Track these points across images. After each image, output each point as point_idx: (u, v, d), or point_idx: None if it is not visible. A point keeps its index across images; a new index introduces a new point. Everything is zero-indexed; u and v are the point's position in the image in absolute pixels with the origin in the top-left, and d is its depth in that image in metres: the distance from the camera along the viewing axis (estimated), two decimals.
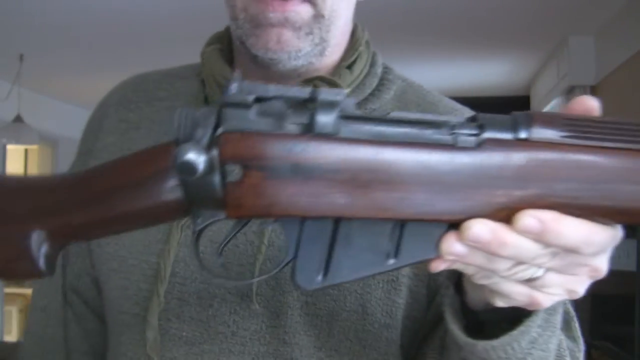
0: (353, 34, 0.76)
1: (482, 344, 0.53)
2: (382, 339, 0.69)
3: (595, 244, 0.44)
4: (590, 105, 0.46)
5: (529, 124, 0.45)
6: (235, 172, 0.44)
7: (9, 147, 5.73)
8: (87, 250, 0.77)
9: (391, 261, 0.46)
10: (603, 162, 0.44)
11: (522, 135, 0.45)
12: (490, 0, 3.49)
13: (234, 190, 0.45)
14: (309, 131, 0.45)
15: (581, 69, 4.00)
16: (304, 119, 0.45)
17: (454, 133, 0.45)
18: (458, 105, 0.79)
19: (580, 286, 0.48)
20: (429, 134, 0.45)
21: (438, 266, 0.46)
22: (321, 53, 0.69)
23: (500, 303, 0.49)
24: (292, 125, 0.45)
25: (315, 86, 0.68)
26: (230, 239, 0.51)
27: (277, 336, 0.68)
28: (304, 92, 0.46)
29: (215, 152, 0.45)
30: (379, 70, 0.76)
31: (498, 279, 0.46)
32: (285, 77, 0.69)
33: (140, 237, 0.72)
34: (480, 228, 0.43)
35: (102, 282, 0.76)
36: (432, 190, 0.44)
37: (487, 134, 0.45)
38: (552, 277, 0.46)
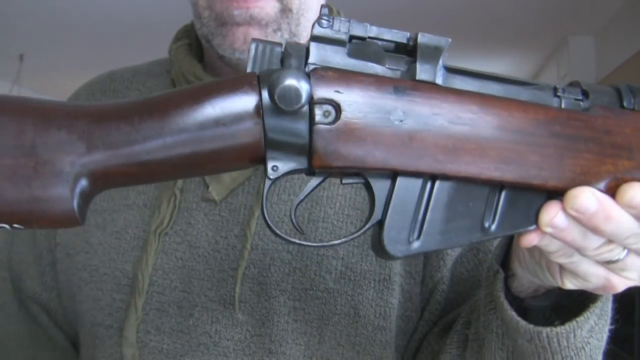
0: None
1: (546, 331, 0.49)
2: (376, 342, 0.66)
3: None
4: None
5: (634, 95, 0.44)
6: (327, 114, 0.40)
7: None
8: (50, 263, 0.73)
9: (491, 229, 0.42)
10: None
11: (628, 105, 0.43)
12: (490, 1, 3.48)
13: (324, 134, 0.39)
14: (410, 77, 0.41)
15: (581, 69, 4.00)
16: (402, 65, 0.42)
17: (558, 95, 0.43)
18: None
19: None
20: (534, 93, 0.43)
21: (532, 240, 0.43)
22: None
23: (569, 285, 0.46)
24: (390, 70, 0.41)
25: None
26: (306, 197, 0.44)
27: (263, 345, 0.65)
28: (404, 35, 0.42)
29: (310, 84, 0.39)
30: None
31: (579, 258, 0.44)
32: None
33: (114, 244, 0.68)
34: (588, 197, 0.40)
35: (72, 294, 0.71)
36: (539, 153, 0.41)
37: (593, 101, 0.43)
38: (633, 260, 0.44)
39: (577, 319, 0.49)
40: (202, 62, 0.72)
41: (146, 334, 0.66)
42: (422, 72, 0.41)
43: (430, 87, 0.41)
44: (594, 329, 0.51)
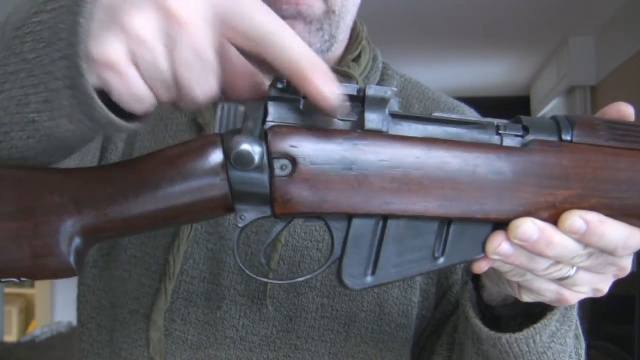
0: (353, 29, 0.75)
1: (506, 337, 0.53)
2: (397, 339, 0.68)
3: (630, 247, 0.45)
4: (625, 110, 0.48)
5: (571, 126, 0.46)
6: (284, 167, 0.44)
7: None
8: None
9: (440, 260, 0.46)
10: None
11: (566, 137, 0.46)
12: (490, 1, 3.48)
13: (282, 185, 0.44)
14: (359, 128, 0.44)
15: (581, 69, 4.00)
16: (352, 115, 0.45)
17: (500, 133, 0.46)
18: (457, 102, 0.79)
19: (605, 284, 0.49)
20: (477, 133, 0.46)
21: (482, 266, 0.46)
22: (328, 49, 0.68)
23: (526, 298, 0.50)
24: (340, 121, 0.45)
25: None
26: (274, 238, 0.50)
27: (289, 342, 0.66)
28: (352, 88, 0.45)
29: (263, 146, 0.44)
30: (380, 65, 0.76)
31: (531, 277, 0.47)
32: None
33: None
34: (529, 226, 0.44)
35: (93, 272, 0.72)
36: (480, 189, 0.45)
37: (532, 135, 0.46)
38: (583, 276, 0.47)
39: (535, 325, 0.53)
40: None
41: (171, 322, 0.67)
42: (370, 121, 0.45)
43: (376, 135, 0.45)
44: (555, 335, 0.54)
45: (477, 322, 0.54)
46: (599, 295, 0.50)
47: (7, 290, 5.65)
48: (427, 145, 0.44)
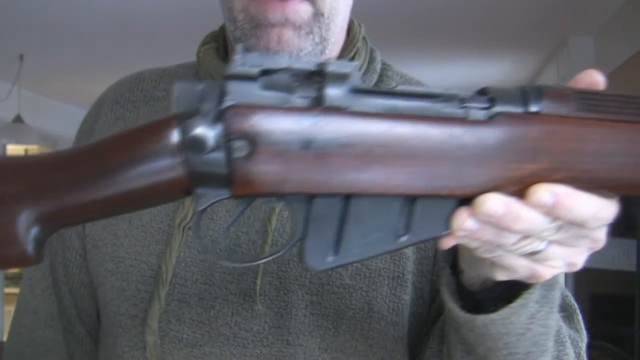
0: (349, 30, 0.75)
1: (481, 318, 0.52)
2: (389, 337, 0.69)
3: (601, 219, 0.44)
4: (596, 78, 0.46)
5: (539, 97, 0.45)
6: (242, 147, 0.43)
7: (9, 147, 5.73)
8: (82, 252, 0.76)
9: (403, 239, 0.45)
10: (612, 135, 0.44)
11: (534, 108, 0.45)
12: (490, 1, 3.49)
13: (240, 166, 0.43)
14: (318, 105, 0.43)
15: (581, 69, 3.91)
16: (312, 92, 0.44)
17: (464, 106, 0.45)
18: None
19: (580, 258, 0.48)
20: (440, 107, 0.44)
21: (449, 242, 0.45)
22: (322, 52, 0.68)
23: (501, 277, 0.49)
24: (300, 98, 0.44)
25: None
26: (235, 220, 0.49)
27: (281, 337, 0.67)
28: (312, 64, 0.44)
29: (220, 127, 0.43)
30: (378, 66, 0.75)
31: (501, 252, 0.46)
32: None
33: (140, 237, 0.71)
34: (495, 202, 0.43)
35: (98, 284, 0.74)
36: (444, 165, 0.44)
37: (498, 108, 0.45)
38: (555, 250, 0.46)
39: (510, 305, 0.51)
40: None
41: (167, 323, 0.69)
42: (330, 98, 0.43)
43: (336, 112, 0.43)
44: (535, 316, 0.53)
45: (453, 307, 0.54)
46: (574, 269, 0.48)
47: (7, 290, 5.65)
48: (389, 120, 0.43)
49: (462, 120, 0.44)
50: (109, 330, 0.74)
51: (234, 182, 0.43)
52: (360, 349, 0.68)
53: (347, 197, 0.45)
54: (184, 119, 0.44)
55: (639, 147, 0.44)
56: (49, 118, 5.91)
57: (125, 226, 0.72)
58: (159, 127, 0.44)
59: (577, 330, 0.68)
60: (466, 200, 0.44)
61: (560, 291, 0.71)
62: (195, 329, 0.68)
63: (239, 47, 0.45)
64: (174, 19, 3.75)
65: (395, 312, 0.69)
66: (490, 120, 0.44)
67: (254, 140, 0.43)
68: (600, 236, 0.47)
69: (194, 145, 0.43)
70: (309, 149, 0.43)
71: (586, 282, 3.43)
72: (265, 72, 0.44)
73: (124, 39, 4.24)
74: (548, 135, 0.44)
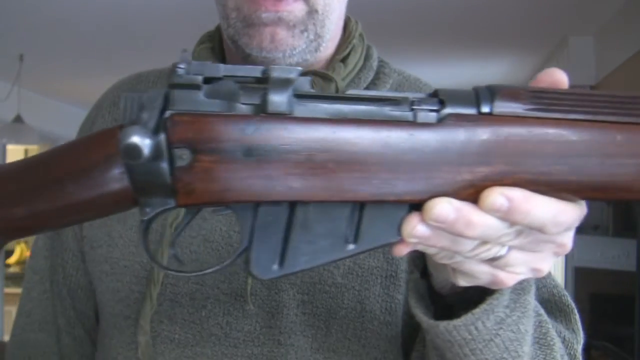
0: (346, 27, 0.75)
1: (444, 324, 0.51)
2: (382, 336, 0.68)
3: (562, 223, 0.42)
4: (558, 77, 0.45)
5: (492, 97, 0.43)
6: (184, 156, 0.42)
7: (9, 147, 5.73)
8: (78, 253, 0.76)
9: (351, 247, 0.44)
10: (571, 135, 0.42)
11: (485, 109, 0.43)
12: (490, 1, 3.49)
13: (183, 175, 0.42)
14: (262, 111, 0.43)
15: (581, 69, 4.00)
16: (255, 98, 0.43)
17: (413, 109, 0.43)
18: None
19: (544, 264, 0.46)
20: (387, 110, 0.43)
21: (402, 250, 0.44)
22: (316, 49, 0.67)
23: (463, 282, 0.47)
24: (243, 105, 0.43)
25: None
26: (182, 229, 0.49)
27: (272, 337, 0.67)
28: (256, 70, 0.44)
29: (162, 136, 0.42)
30: (374, 64, 0.75)
31: (461, 259, 0.45)
32: None
33: (133, 237, 0.71)
34: (444, 207, 0.41)
35: (95, 286, 0.74)
36: (392, 170, 0.42)
37: (449, 109, 0.43)
38: (516, 256, 0.45)
39: (474, 311, 0.50)
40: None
41: (159, 323, 0.68)
42: (273, 104, 0.43)
43: (279, 119, 0.42)
44: (505, 321, 0.51)
45: (417, 312, 0.52)
46: (540, 275, 0.47)
47: (7, 290, 5.64)
48: (332, 125, 0.42)
49: (410, 123, 0.43)
50: (105, 331, 0.74)
51: (177, 192, 0.43)
52: (353, 348, 0.67)
53: (293, 205, 0.44)
54: (124, 127, 0.43)
55: (600, 147, 0.42)
56: (49, 118, 5.91)
57: (120, 227, 0.72)
58: (103, 138, 0.44)
59: (573, 331, 0.67)
60: (419, 206, 0.43)
61: (557, 291, 0.70)
62: (187, 329, 0.68)
63: (183, 54, 0.45)
64: (174, 19, 3.75)
65: (388, 312, 0.68)
66: (440, 122, 0.42)
67: (195, 149, 0.42)
68: (565, 241, 0.45)
69: (129, 154, 0.42)
70: (252, 157, 0.42)
71: (586, 282, 3.43)
72: (210, 80, 0.44)
73: (124, 39, 4.24)
74: (500, 137, 0.42)
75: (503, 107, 0.43)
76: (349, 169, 0.42)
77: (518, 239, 0.43)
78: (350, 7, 0.74)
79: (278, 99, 0.43)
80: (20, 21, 3.87)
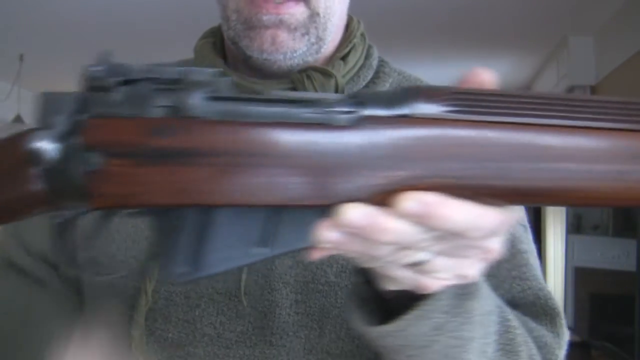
0: (347, 26, 0.75)
1: (376, 330, 0.49)
2: None
3: (483, 228, 0.41)
4: (483, 77, 0.43)
5: (410, 99, 0.41)
6: (96, 160, 0.42)
7: None
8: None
9: (264, 250, 0.43)
10: (490, 138, 0.40)
11: (403, 111, 0.41)
12: (490, 1, 3.49)
13: (95, 179, 0.42)
14: (175, 114, 0.42)
15: (581, 69, 4.00)
16: (170, 101, 0.42)
17: (328, 111, 0.42)
18: None
19: (471, 270, 0.44)
20: (301, 112, 0.42)
21: (316, 255, 0.43)
22: (317, 51, 0.67)
23: (390, 286, 0.46)
24: (158, 108, 0.42)
25: (308, 77, 0.67)
26: (96, 234, 0.48)
27: (264, 338, 0.66)
28: (172, 72, 0.43)
29: (75, 139, 0.42)
30: (374, 62, 0.75)
31: (383, 263, 0.43)
32: (279, 76, 0.68)
33: (130, 232, 0.70)
34: (355, 212, 0.40)
35: (83, 279, 0.73)
36: (305, 174, 0.41)
37: (366, 111, 0.41)
38: (440, 261, 0.43)
39: (405, 317, 0.48)
40: (226, 62, 0.74)
41: (154, 321, 0.68)
42: (187, 107, 0.42)
43: (191, 123, 0.42)
44: (444, 327, 0.50)
45: (352, 317, 0.51)
46: (468, 281, 0.45)
47: None
48: (245, 128, 0.41)
49: (324, 126, 0.41)
50: (94, 324, 0.73)
51: (90, 195, 0.43)
52: (347, 349, 0.66)
53: (207, 208, 0.43)
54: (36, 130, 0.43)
55: (521, 150, 0.40)
56: None
57: (117, 221, 0.72)
58: (19, 139, 0.44)
59: (558, 335, 0.66)
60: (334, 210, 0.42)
61: (543, 294, 0.69)
62: (181, 329, 0.68)
63: (97, 59, 0.45)
64: (174, 19, 3.75)
65: None
66: (356, 124, 0.41)
67: (108, 153, 0.42)
68: (492, 246, 0.43)
69: (33, 159, 0.42)
70: (164, 160, 0.41)
71: (586, 282, 3.43)
72: (126, 82, 0.43)
73: (124, 39, 4.24)
74: (417, 139, 0.40)
75: (421, 108, 0.41)
76: (260, 172, 0.41)
77: (439, 245, 0.42)
78: (350, 7, 0.74)
79: (192, 102, 0.42)
80: (20, 21, 3.87)
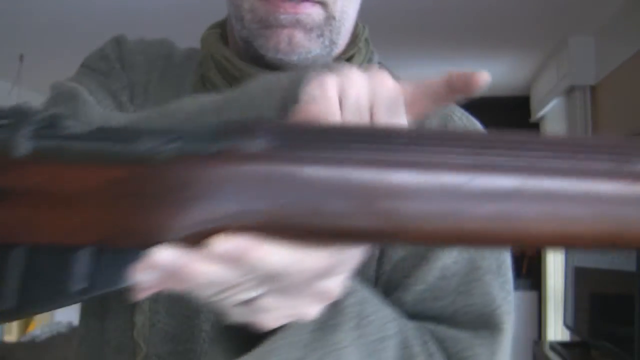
0: (353, 31, 0.75)
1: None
2: None
3: (307, 270, 0.39)
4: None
5: (230, 134, 0.40)
6: None
7: None
8: None
9: (80, 290, 0.41)
10: (313, 174, 0.38)
11: (218, 147, 0.39)
12: (490, 0, 3.49)
13: None
14: (7, 153, 0.40)
15: (581, 69, 4.00)
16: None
17: (143, 146, 0.40)
18: (452, 106, 0.78)
19: (307, 309, 0.43)
20: (111, 147, 0.40)
21: (138, 294, 0.41)
22: (329, 54, 0.68)
23: (233, 318, 0.45)
24: None
25: None
26: None
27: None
28: (4, 108, 0.42)
29: None
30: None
31: (214, 299, 0.42)
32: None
33: None
34: (164, 255, 0.39)
35: None
36: (110, 213, 0.40)
37: (178, 146, 0.40)
38: (271, 300, 0.42)
39: (253, 351, 0.48)
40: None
41: (155, 314, 0.68)
42: (8, 145, 0.41)
43: (7, 161, 0.41)
44: None
45: (213, 348, 0.50)
46: (307, 319, 0.44)
47: None
48: (55, 166, 0.40)
49: (130, 162, 0.40)
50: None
51: None
52: None
53: (28, 247, 0.41)
54: None
55: (342, 187, 0.38)
56: None
57: None
58: None
59: (493, 353, 0.64)
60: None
61: (491, 309, 0.65)
62: (181, 323, 0.68)
63: None
64: (174, 19, 3.75)
65: None
66: (170, 161, 0.39)
67: None
68: (326, 288, 0.42)
69: None
70: None
71: (586, 282, 3.43)
72: None
73: None
74: (230, 177, 0.39)
75: (238, 144, 0.39)
76: (72, 212, 0.40)
77: (265, 285, 0.41)
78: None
79: (14, 139, 0.40)
80: (20, 21, 3.87)
